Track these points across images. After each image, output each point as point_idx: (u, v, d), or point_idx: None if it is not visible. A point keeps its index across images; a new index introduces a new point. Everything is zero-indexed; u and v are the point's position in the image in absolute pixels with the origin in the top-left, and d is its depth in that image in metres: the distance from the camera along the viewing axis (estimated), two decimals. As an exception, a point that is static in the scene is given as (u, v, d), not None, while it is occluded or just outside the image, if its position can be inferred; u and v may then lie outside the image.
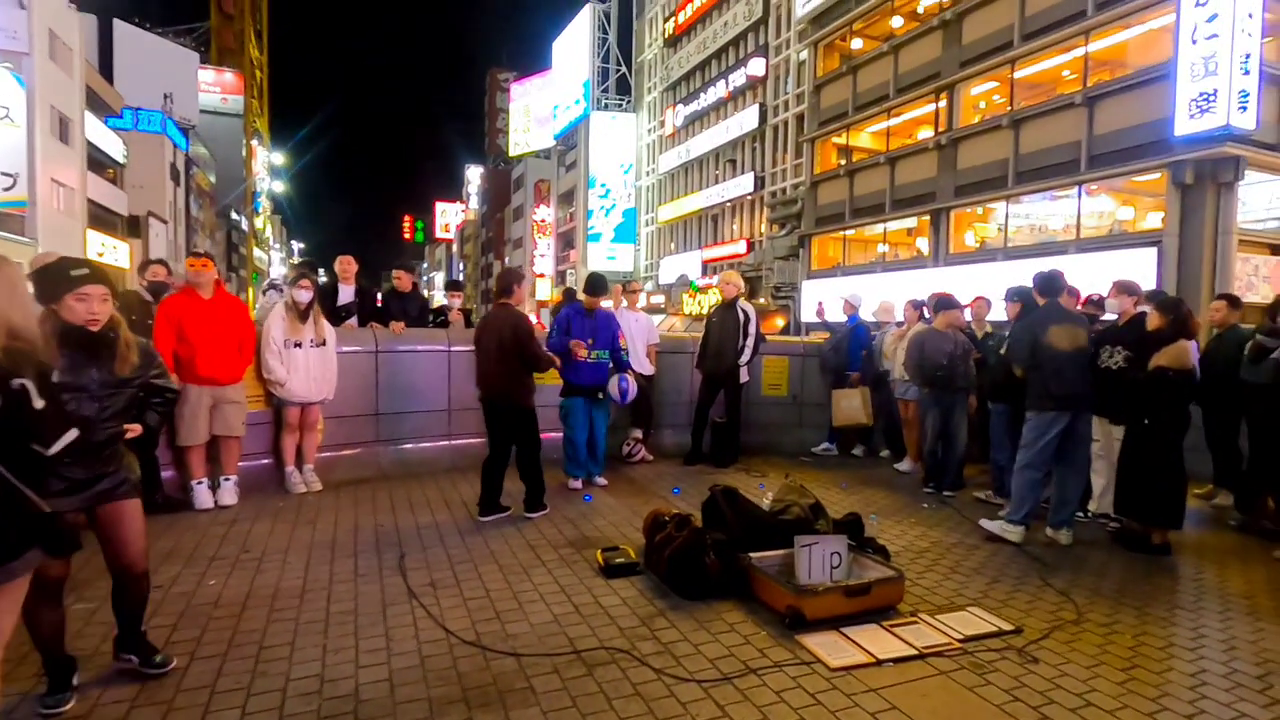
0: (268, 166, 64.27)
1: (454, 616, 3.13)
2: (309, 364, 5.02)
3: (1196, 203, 12.97)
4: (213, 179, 45.85)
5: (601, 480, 5.58)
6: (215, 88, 49.85)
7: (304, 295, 4.98)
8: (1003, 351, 4.88)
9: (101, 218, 27.15)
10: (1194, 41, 12.27)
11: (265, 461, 5.33)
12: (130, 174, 30.90)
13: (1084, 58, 15.14)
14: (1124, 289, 4.73)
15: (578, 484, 5.39)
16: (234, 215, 51.70)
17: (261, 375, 5.00)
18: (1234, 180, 12.66)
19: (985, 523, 4.64)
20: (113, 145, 29.02)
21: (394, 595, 3.35)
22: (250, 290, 48.76)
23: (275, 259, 67.44)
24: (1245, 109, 11.97)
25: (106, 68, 36.34)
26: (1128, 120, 13.93)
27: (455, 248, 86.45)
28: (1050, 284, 4.67)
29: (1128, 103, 14.03)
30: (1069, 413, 4.46)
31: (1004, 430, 5.26)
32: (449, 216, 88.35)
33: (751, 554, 3.54)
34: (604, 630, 3.05)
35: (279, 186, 71.36)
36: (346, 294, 6.14)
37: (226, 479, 4.74)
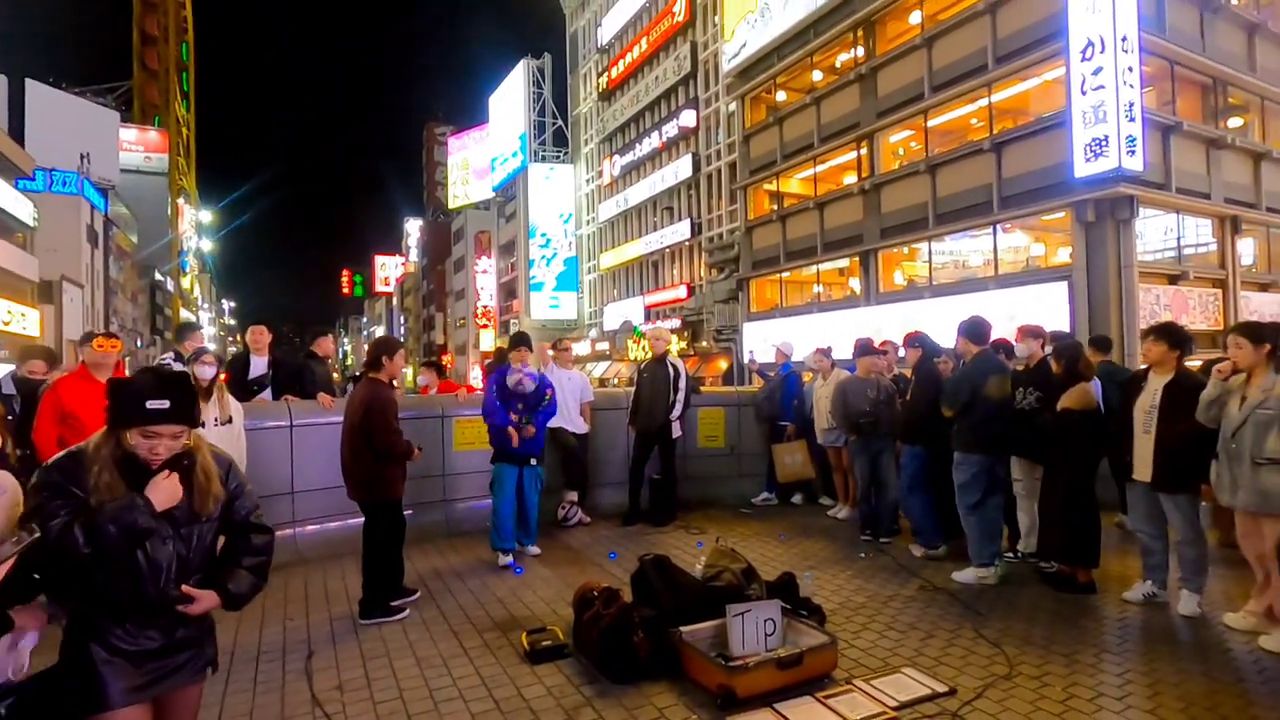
0: (195, 225, 62.29)
1: (361, 725, 2.88)
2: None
3: (1099, 239, 13.83)
4: (135, 239, 44.08)
5: (534, 550, 5.36)
6: (138, 146, 48.32)
7: (206, 371, 4.69)
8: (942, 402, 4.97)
9: (9, 284, 25.65)
10: (1083, 92, 13.27)
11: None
12: (42, 237, 29.42)
13: (989, 107, 16.18)
14: (1030, 333, 4.92)
15: (507, 559, 5.10)
16: (159, 276, 49.67)
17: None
18: (1130, 217, 13.58)
19: (958, 576, 4.65)
20: (22, 209, 27.65)
21: (295, 706, 3.08)
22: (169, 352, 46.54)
23: (205, 319, 64.85)
24: (1134, 152, 12.93)
25: (18, 129, 34.86)
26: (1032, 164, 14.86)
27: (395, 301, 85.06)
28: (977, 331, 4.84)
29: (1031, 148, 14.99)
30: (991, 457, 4.64)
31: (916, 473, 5.27)
32: (389, 270, 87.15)
33: (683, 627, 3.41)
34: (525, 728, 2.86)
35: (208, 245, 69.16)
36: (260, 365, 5.85)
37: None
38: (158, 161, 49.88)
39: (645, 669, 3.26)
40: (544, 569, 5.06)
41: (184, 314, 55.17)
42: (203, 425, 4.69)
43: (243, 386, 5.59)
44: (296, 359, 6.40)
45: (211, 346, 6.37)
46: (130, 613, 1.83)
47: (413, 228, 76.50)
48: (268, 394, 5.80)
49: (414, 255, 76.19)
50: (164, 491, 1.83)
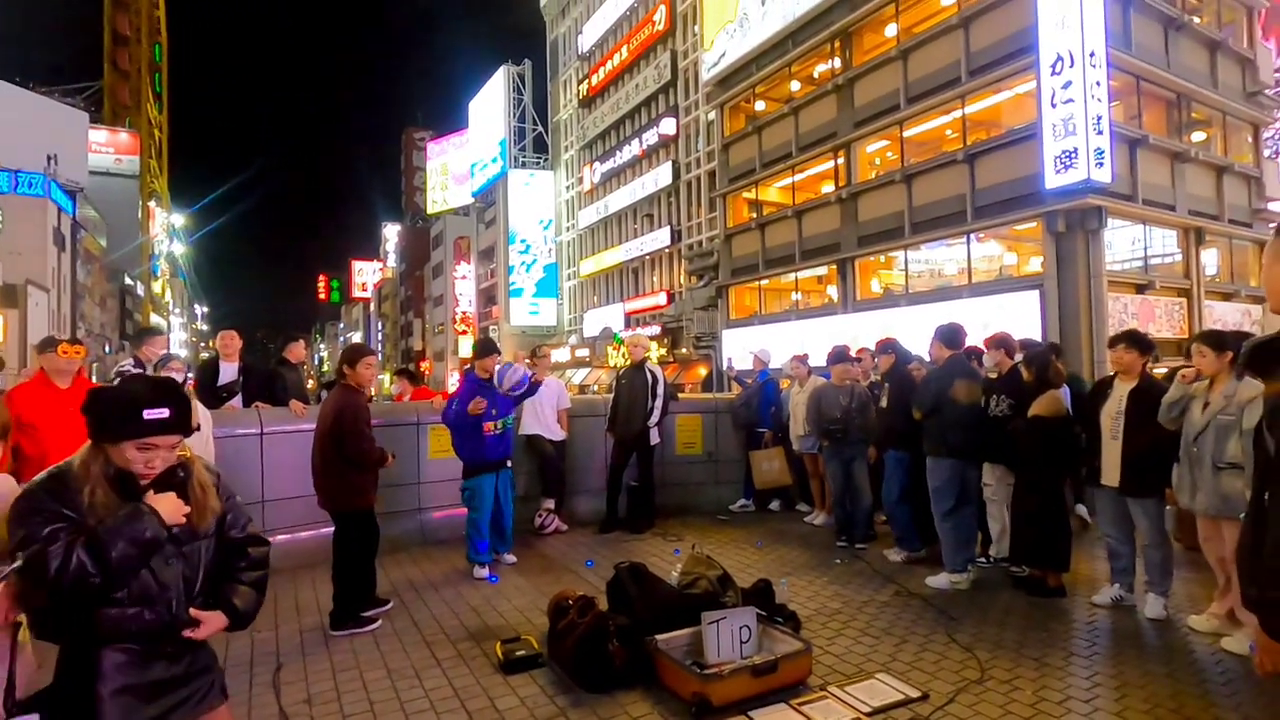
0: (167, 228, 61.16)
1: (329, 739, 2.83)
2: (181, 453, 4.60)
3: (1069, 248, 14.12)
4: (104, 243, 43.15)
5: (510, 558, 5.31)
6: (109, 148, 47.36)
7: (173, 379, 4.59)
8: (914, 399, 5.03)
9: (-30, 288, 24.98)
10: (1054, 105, 13.57)
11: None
12: (6, 240, 28.75)
13: (962, 119, 16.48)
14: (998, 343, 5.00)
15: (484, 571, 5.01)
16: (129, 280, 48.65)
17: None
18: (1099, 228, 13.88)
19: (931, 581, 4.70)
20: (-15, 211, 26.98)
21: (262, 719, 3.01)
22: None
23: (176, 324, 63.64)
24: (1102, 164, 13.24)
25: (-18, 129, 33.99)
26: (1004, 175, 15.15)
27: (373, 307, 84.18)
28: (954, 337, 4.92)
29: (1003, 159, 15.28)
30: (961, 461, 4.70)
31: (894, 480, 5.33)
32: (366, 275, 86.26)
33: (659, 635, 3.40)
34: (497, 740, 2.82)
35: (180, 248, 67.94)
36: (229, 372, 5.74)
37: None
38: (129, 164, 48.95)
39: (620, 678, 3.24)
40: (519, 577, 5.01)
41: (154, 319, 54.09)
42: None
43: (211, 393, 5.49)
44: (267, 365, 6.30)
45: (182, 353, 6.25)
46: (138, 642, 1.67)
47: (391, 233, 75.85)
48: (238, 401, 5.69)
49: (392, 261, 75.52)
50: (169, 504, 1.69)
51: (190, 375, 6.57)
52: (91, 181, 41.40)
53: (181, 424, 1.72)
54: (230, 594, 1.84)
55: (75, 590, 1.55)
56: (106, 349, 40.34)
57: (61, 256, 33.62)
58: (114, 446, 1.67)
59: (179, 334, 64.37)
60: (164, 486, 1.72)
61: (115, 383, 2.19)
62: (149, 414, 1.65)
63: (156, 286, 56.99)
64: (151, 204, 53.72)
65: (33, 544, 1.55)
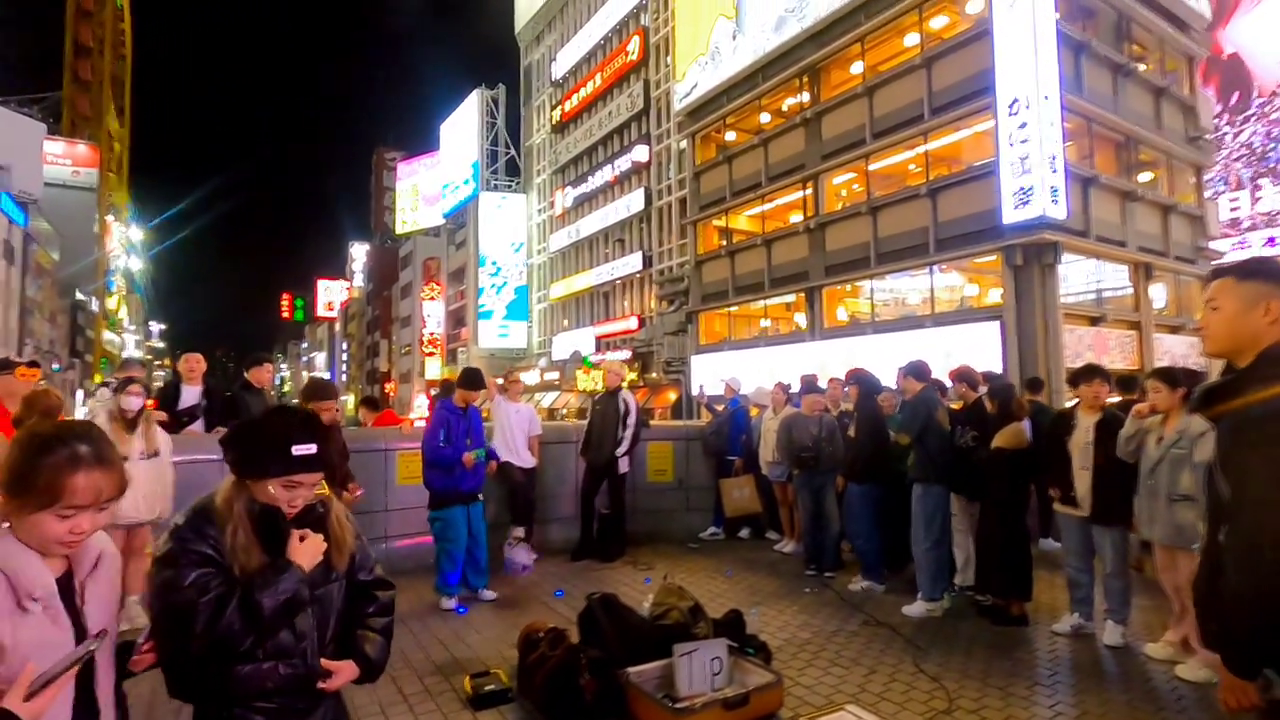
0: (125, 243, 59.52)
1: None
2: (138, 479, 4.45)
3: (1027, 281, 14.62)
4: (56, 257, 41.78)
5: (490, 594, 5.14)
6: (65, 160, 46.08)
7: (133, 403, 4.46)
8: (897, 429, 5.12)
9: (-89, 302, 23.90)
10: (1011, 144, 14.14)
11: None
12: (-48, 252, 27.64)
13: (925, 155, 17.04)
14: (961, 377, 5.15)
15: (452, 603, 4.91)
16: (81, 296, 47.07)
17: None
18: (1054, 262, 14.41)
19: (908, 610, 4.74)
20: (-69, 222, 25.96)
21: (218, 761, 2.89)
22: (96, 377, 44.03)
23: (130, 342, 61.67)
24: (1056, 201, 13.80)
25: (-69, 138, 32.89)
26: (965, 209, 15.67)
27: (339, 327, 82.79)
28: (922, 371, 5.08)
29: (964, 194, 15.82)
30: (948, 488, 4.81)
31: (863, 510, 5.39)
32: (332, 294, 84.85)
33: (630, 668, 3.37)
34: (466, 779, 2.75)
35: (138, 264, 66.10)
36: (191, 395, 5.59)
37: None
38: (86, 176, 47.68)
39: (591, 712, 3.20)
40: (488, 609, 4.93)
41: (106, 336, 52.36)
42: (125, 460, 4.45)
43: (172, 418, 5.33)
44: (228, 387, 6.12)
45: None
46: (274, 699, 1.56)
47: (359, 252, 74.89)
48: (199, 425, 5.54)
49: (359, 280, 74.49)
50: (310, 551, 1.58)
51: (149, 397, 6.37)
52: (47, 193, 40.22)
53: (325, 460, 1.64)
54: (361, 642, 1.71)
55: (219, 647, 1.46)
56: (55, 366, 38.85)
57: (10, 270, 32.46)
58: (258, 483, 1.59)
59: (133, 352, 62.29)
60: (302, 523, 1.64)
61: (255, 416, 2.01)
62: (297, 450, 1.56)
63: (111, 303, 55.28)
64: (109, 218, 52.33)
65: (179, 590, 1.45)
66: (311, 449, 1.58)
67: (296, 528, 1.62)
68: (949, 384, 5.34)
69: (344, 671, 1.65)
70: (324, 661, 1.63)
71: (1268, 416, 1.57)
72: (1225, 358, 1.79)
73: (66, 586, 1.33)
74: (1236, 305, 1.73)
